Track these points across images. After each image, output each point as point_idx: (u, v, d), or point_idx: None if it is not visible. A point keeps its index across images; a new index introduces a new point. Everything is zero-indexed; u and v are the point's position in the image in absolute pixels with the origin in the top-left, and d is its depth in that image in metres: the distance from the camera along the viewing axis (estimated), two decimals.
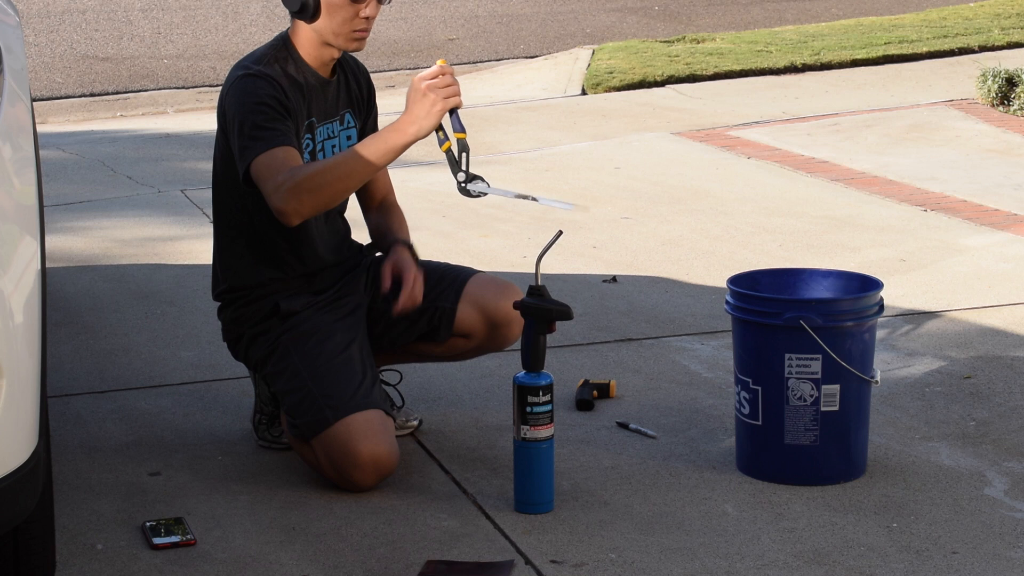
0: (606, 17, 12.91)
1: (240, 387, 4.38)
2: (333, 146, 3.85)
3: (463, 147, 3.49)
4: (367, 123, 3.98)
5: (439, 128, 3.50)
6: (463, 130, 3.49)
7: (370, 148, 3.57)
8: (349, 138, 3.89)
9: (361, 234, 4.07)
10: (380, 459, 3.64)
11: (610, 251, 5.80)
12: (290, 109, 3.70)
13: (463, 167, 3.50)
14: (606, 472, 3.81)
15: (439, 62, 3.50)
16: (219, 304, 3.93)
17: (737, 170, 7.11)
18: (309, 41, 3.76)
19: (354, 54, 3.90)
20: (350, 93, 3.91)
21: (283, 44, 3.79)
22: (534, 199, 3.57)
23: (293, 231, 3.78)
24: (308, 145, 3.79)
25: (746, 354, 3.74)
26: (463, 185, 3.51)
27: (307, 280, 3.87)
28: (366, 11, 3.71)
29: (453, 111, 3.49)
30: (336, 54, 3.79)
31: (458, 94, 3.50)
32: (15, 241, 2.82)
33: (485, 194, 3.50)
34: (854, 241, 5.84)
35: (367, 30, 3.74)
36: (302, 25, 3.77)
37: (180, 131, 8.49)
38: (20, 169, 2.94)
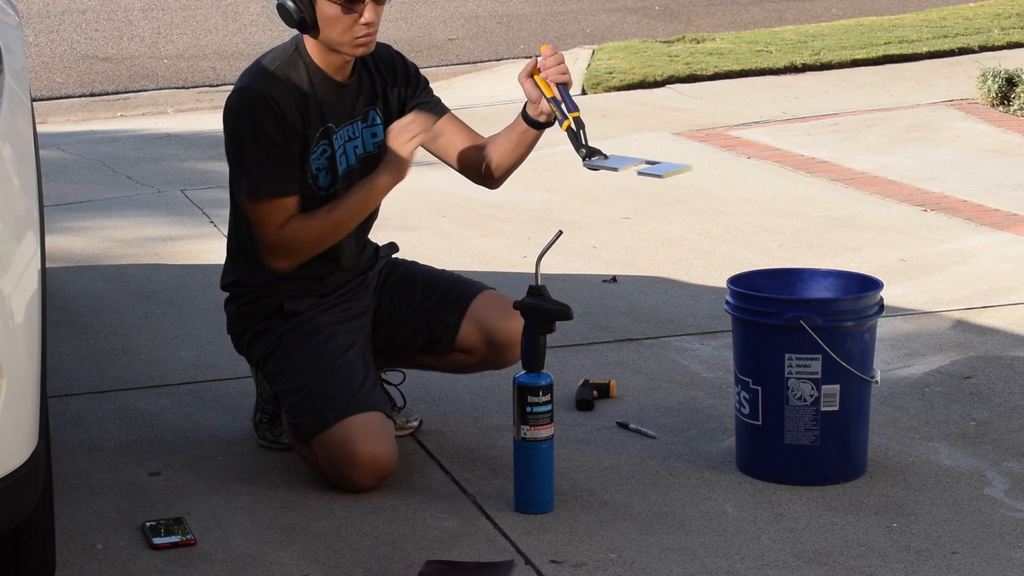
0: (606, 17, 12.90)
1: (240, 387, 4.38)
2: (355, 147, 3.81)
3: (579, 124, 3.59)
4: (413, 104, 3.89)
5: (556, 107, 3.60)
6: (576, 108, 3.59)
7: (358, 195, 3.70)
8: (374, 135, 3.85)
9: (379, 235, 4.06)
10: (379, 461, 3.64)
11: (610, 251, 5.80)
12: (290, 132, 3.68)
13: (583, 143, 3.58)
14: (606, 472, 3.81)
15: (542, 48, 3.61)
16: (226, 295, 3.93)
17: (737, 170, 7.11)
18: (317, 48, 3.73)
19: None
20: (374, 90, 3.85)
21: (295, 49, 3.75)
22: (654, 168, 3.66)
23: None
24: (326, 151, 3.76)
25: (746, 354, 3.74)
26: (586, 161, 3.59)
27: (317, 281, 3.86)
28: (364, 17, 3.65)
29: (564, 89, 3.60)
30: (348, 58, 3.76)
31: (566, 72, 3.60)
32: (15, 241, 2.82)
33: (605, 167, 3.58)
34: (854, 241, 5.84)
35: (370, 34, 3.68)
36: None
37: (180, 131, 8.49)
38: (20, 169, 2.94)
